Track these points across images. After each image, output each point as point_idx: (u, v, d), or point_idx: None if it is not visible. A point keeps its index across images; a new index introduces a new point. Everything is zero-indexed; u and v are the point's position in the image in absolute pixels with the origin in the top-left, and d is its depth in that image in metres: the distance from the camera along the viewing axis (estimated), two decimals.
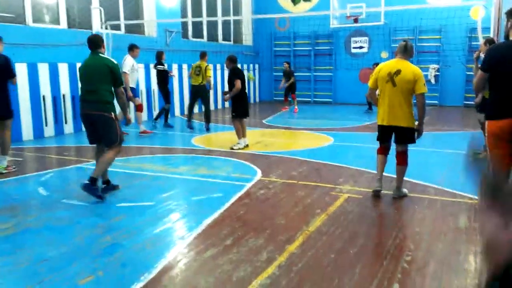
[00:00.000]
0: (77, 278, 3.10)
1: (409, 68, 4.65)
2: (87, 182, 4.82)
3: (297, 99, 14.16)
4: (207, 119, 10.04)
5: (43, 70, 8.93)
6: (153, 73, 11.93)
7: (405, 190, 4.94)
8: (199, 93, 9.93)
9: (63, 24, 9.88)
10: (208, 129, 9.99)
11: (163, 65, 10.16)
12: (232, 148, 7.65)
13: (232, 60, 7.82)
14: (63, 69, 9.35)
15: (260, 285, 2.99)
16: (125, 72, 8.49)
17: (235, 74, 7.68)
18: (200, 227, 4.06)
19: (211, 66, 10.23)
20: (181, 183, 5.71)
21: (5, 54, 6.10)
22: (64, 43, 9.49)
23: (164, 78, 10.19)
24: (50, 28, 9.44)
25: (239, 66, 8.12)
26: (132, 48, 8.99)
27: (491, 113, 3.62)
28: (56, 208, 4.63)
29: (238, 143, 7.74)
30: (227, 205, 4.69)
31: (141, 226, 4.09)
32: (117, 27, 11.32)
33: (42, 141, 8.61)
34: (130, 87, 8.72)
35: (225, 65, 8.14)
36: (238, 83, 7.57)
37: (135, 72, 9.03)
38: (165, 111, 10.34)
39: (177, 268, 3.28)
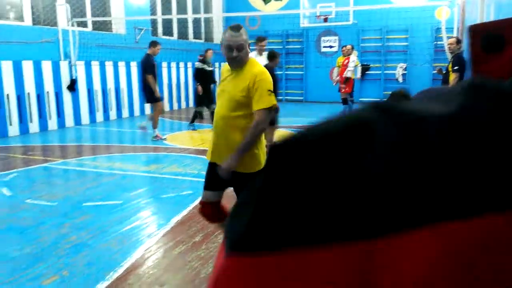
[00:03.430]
0: (42, 278, 3.04)
1: None
2: None
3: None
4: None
5: (7, 68, 8.66)
6: (122, 71, 11.82)
7: None
8: None
9: (28, 21, 9.61)
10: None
11: (204, 64, 9.49)
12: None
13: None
14: (27, 67, 9.09)
15: None
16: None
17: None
18: (169, 224, 4.04)
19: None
20: (151, 181, 5.66)
21: None
22: (29, 41, 9.24)
23: (203, 78, 9.48)
24: (14, 25, 9.17)
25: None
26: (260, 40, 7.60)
27: None
28: (20, 208, 4.52)
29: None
30: (196, 202, 4.67)
31: (108, 225, 4.04)
32: (84, 24, 11.10)
33: (6, 141, 8.36)
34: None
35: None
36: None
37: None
38: (198, 113, 9.84)
39: (145, 266, 3.25)
